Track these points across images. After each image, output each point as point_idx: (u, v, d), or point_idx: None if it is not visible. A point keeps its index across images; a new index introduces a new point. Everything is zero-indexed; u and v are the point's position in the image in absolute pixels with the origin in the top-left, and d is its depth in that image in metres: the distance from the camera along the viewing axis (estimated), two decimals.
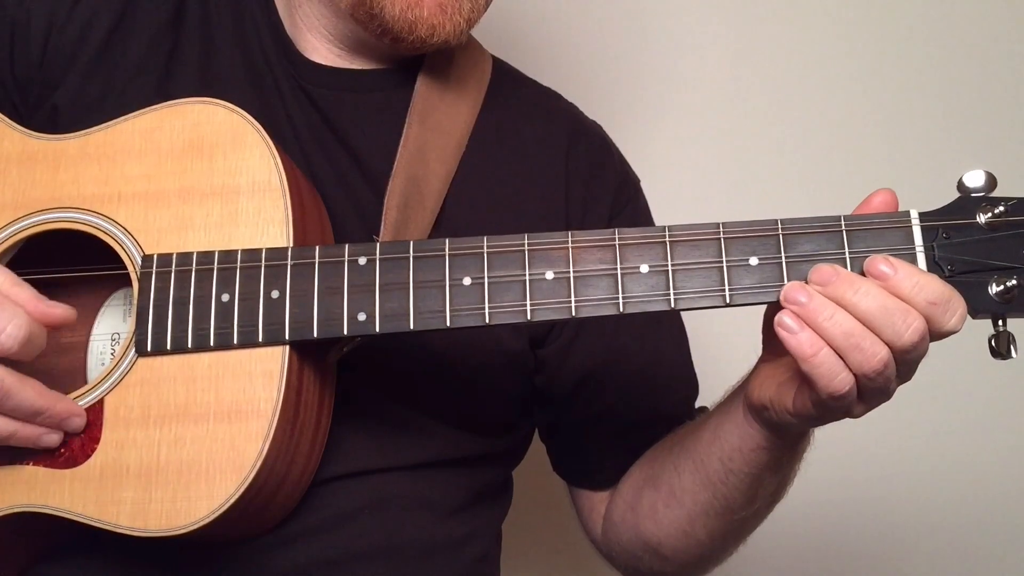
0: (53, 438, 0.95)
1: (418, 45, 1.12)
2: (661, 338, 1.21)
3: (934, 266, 0.89)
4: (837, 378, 0.85)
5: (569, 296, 0.92)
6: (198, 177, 1.00)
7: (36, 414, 0.93)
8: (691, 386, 1.25)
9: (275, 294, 0.95)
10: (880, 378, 0.85)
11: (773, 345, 0.96)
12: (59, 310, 0.94)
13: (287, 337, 0.95)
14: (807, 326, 0.85)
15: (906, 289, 0.85)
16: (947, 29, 1.77)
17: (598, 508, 1.24)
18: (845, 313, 0.85)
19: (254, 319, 0.95)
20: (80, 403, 0.96)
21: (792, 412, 0.92)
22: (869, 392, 0.87)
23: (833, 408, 0.88)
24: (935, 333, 0.86)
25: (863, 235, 0.90)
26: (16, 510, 0.94)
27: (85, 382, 0.99)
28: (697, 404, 1.25)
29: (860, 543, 1.75)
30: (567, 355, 1.17)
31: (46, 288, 1.05)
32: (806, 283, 0.87)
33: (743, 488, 1.04)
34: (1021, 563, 1.75)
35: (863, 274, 0.87)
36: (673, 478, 1.11)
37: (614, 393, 1.18)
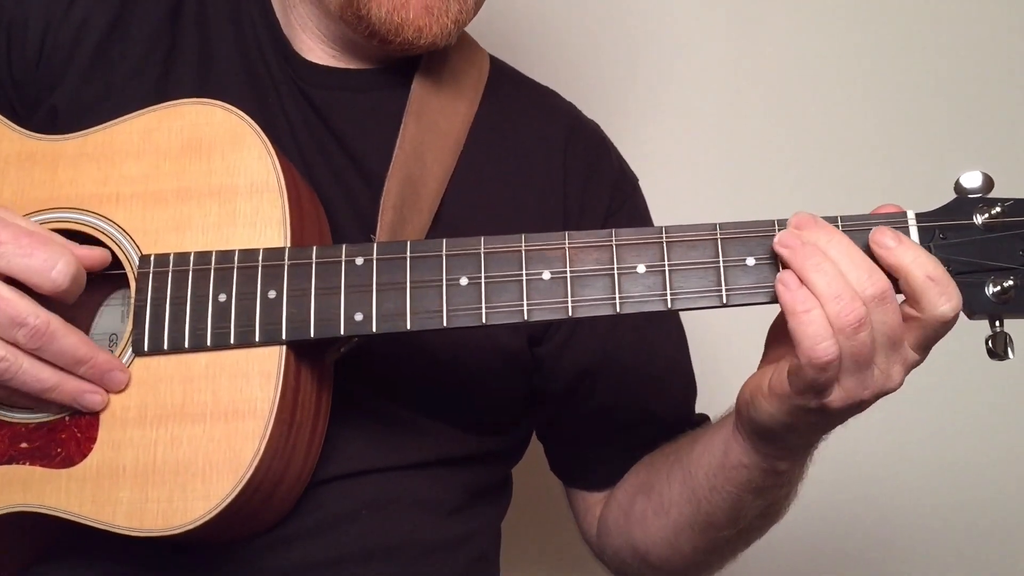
0: (96, 398, 0.94)
1: (406, 47, 1.12)
2: (658, 337, 1.21)
3: None
4: (822, 344, 0.84)
5: (566, 296, 0.92)
6: (196, 178, 1.00)
7: (79, 363, 0.92)
8: (688, 387, 1.24)
9: (272, 294, 0.96)
10: (857, 342, 0.84)
11: (772, 353, 0.96)
12: (97, 251, 0.95)
13: (284, 337, 0.95)
14: (802, 284, 0.86)
15: (907, 260, 0.86)
16: (945, 29, 1.77)
17: (593, 509, 1.24)
18: (833, 265, 0.86)
19: (251, 319, 0.95)
20: None
21: (767, 392, 0.91)
22: (848, 363, 0.85)
23: (810, 382, 0.86)
24: (927, 316, 0.86)
25: (860, 236, 0.89)
26: (12, 510, 0.94)
27: None
28: (697, 406, 1.25)
29: (858, 544, 1.75)
30: (563, 353, 1.17)
31: None
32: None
33: (725, 507, 1.04)
34: (1021, 563, 1.75)
35: (868, 246, 0.88)
36: (664, 488, 1.11)
37: (608, 392, 1.18)
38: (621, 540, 1.19)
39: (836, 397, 0.88)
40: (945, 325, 0.86)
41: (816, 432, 0.96)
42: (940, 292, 0.85)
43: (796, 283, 0.86)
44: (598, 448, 1.21)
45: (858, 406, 0.89)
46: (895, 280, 0.87)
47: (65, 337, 0.91)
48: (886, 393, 0.89)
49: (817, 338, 0.84)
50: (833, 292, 0.85)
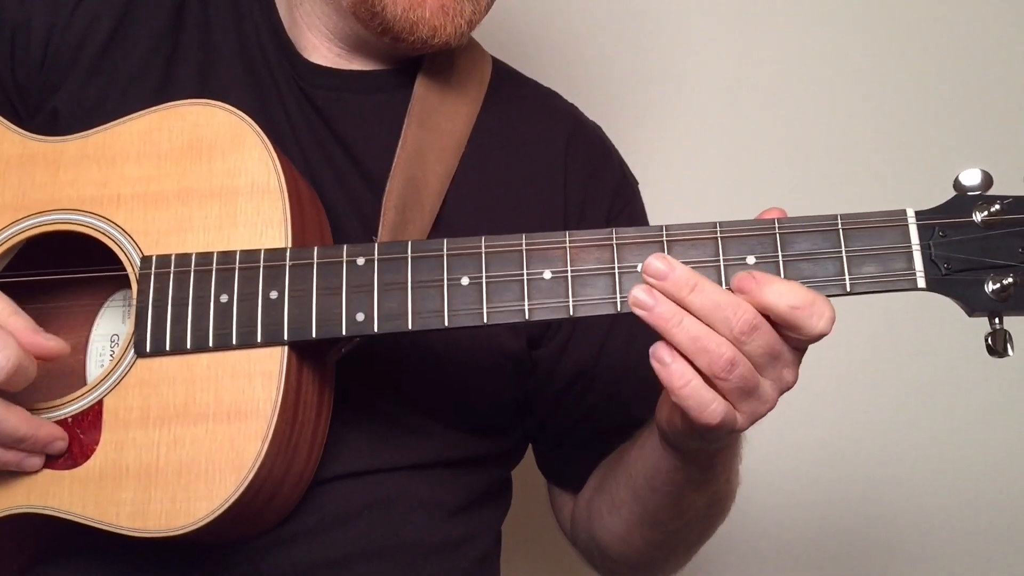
0: (35, 461, 0.94)
1: (419, 46, 1.12)
2: (652, 341, 1.20)
3: (930, 264, 0.89)
4: (708, 409, 0.85)
5: (567, 296, 0.92)
6: (197, 178, 1.00)
7: (19, 441, 0.93)
8: None
9: (274, 295, 0.96)
10: (734, 378, 0.85)
11: None
12: (52, 343, 0.93)
13: (286, 338, 0.95)
14: (679, 357, 0.85)
15: (769, 299, 0.85)
16: (945, 28, 1.77)
17: (568, 506, 1.26)
18: (691, 318, 0.85)
19: (253, 320, 0.95)
20: (79, 404, 0.96)
21: (681, 427, 0.92)
22: (736, 396, 0.86)
23: (708, 431, 0.88)
24: (806, 337, 0.86)
25: (859, 234, 0.90)
26: (16, 511, 0.94)
27: (84, 383, 1.00)
28: None
29: (858, 544, 1.74)
30: (561, 356, 1.17)
31: (46, 290, 1.05)
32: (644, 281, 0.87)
33: (667, 504, 1.06)
34: (1021, 563, 1.75)
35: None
36: (614, 487, 1.13)
37: (597, 396, 1.18)
38: (586, 536, 1.21)
39: (742, 422, 0.88)
40: (824, 336, 0.86)
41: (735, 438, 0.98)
42: (809, 315, 0.85)
43: (670, 357, 0.86)
44: (576, 450, 1.22)
45: (765, 415, 0.90)
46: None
47: (5, 420, 0.91)
48: (784, 392, 0.90)
49: (701, 406, 0.85)
50: (699, 346, 0.84)
